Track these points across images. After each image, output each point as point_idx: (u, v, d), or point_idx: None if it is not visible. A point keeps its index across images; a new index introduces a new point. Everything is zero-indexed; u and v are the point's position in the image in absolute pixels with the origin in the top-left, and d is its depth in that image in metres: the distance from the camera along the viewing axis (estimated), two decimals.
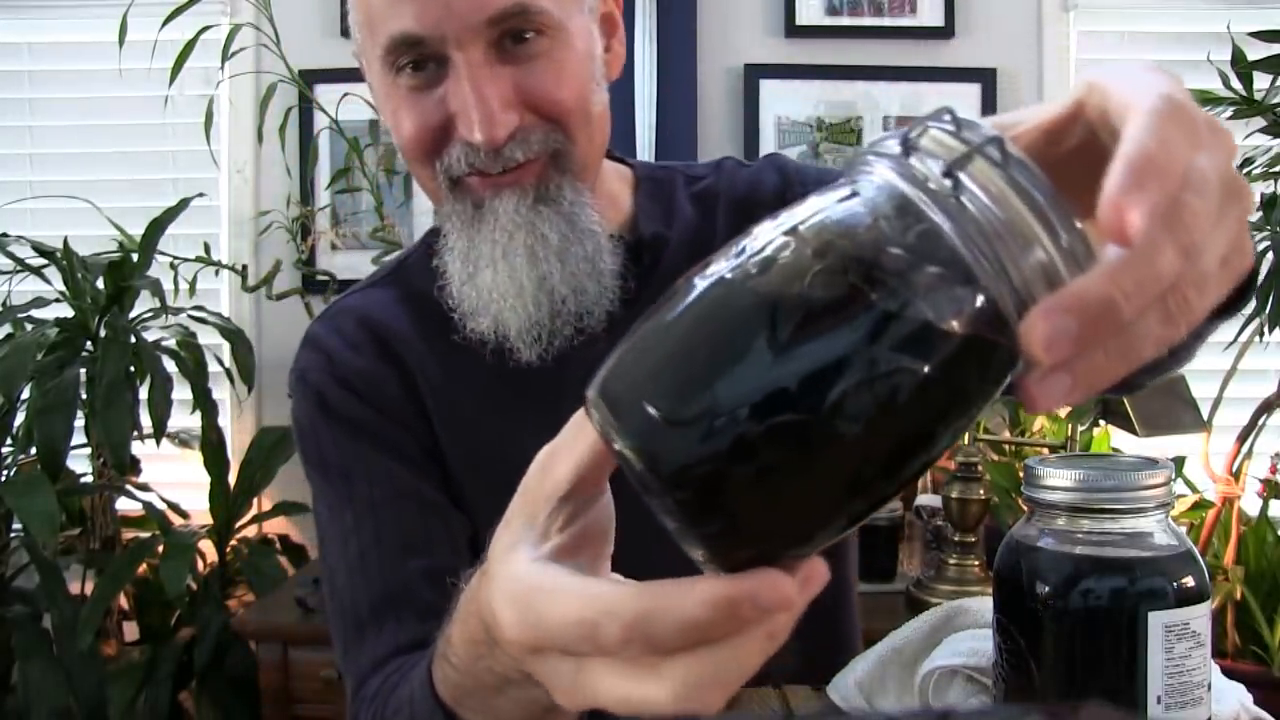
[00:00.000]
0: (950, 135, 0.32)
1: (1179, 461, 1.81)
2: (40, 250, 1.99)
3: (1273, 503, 1.78)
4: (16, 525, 1.86)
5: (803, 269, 0.31)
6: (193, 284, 2.11)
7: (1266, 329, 1.56)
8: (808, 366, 0.30)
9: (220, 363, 2.08)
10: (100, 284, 1.98)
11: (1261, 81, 1.65)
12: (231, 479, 2.09)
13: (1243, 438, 1.71)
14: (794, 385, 0.30)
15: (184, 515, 2.06)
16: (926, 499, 1.81)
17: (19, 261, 1.99)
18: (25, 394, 1.86)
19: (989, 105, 2.20)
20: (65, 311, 1.98)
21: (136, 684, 1.85)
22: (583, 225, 0.78)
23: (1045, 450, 1.75)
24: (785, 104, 2.23)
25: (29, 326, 1.93)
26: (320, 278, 2.19)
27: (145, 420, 1.86)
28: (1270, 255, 1.56)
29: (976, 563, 1.62)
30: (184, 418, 2.03)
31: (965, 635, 0.71)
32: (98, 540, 1.99)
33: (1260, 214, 1.60)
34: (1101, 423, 1.82)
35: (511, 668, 0.46)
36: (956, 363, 0.31)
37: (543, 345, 0.79)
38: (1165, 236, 0.30)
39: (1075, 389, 0.31)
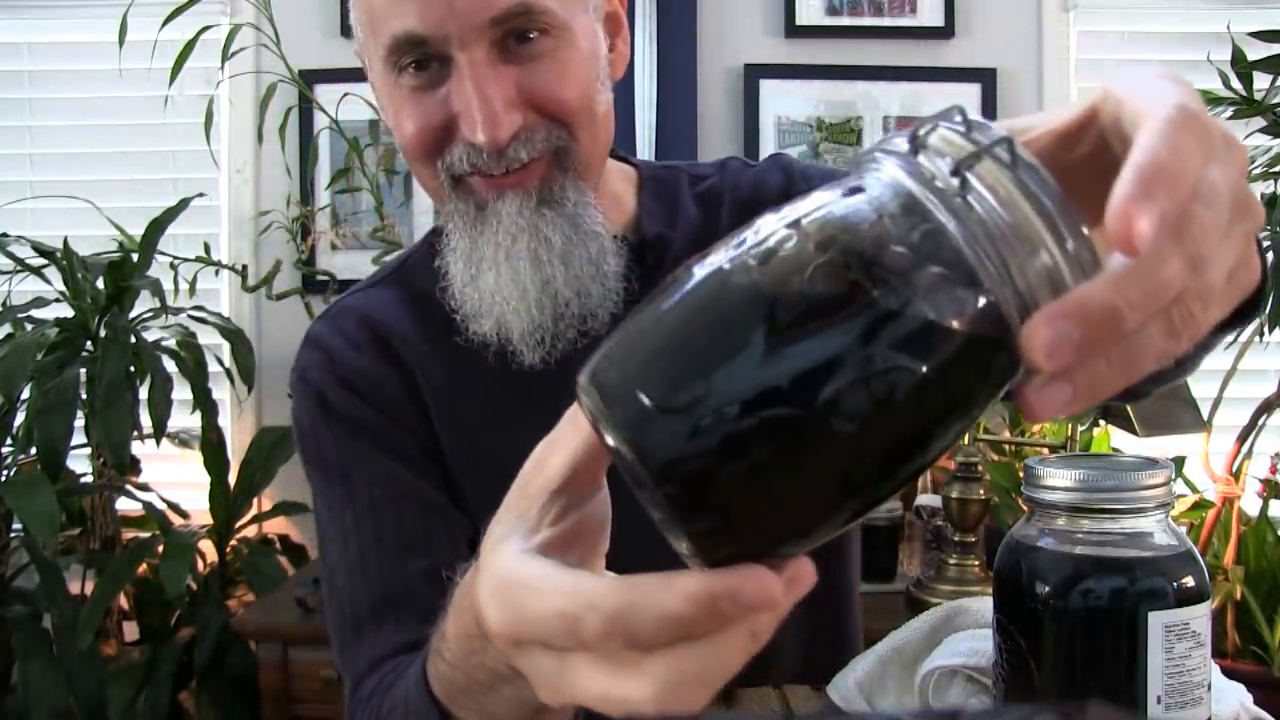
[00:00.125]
0: (960, 135, 0.31)
1: (1179, 461, 1.82)
2: (40, 250, 2.00)
3: (1273, 503, 1.78)
4: (16, 525, 1.86)
5: (804, 262, 0.31)
6: (193, 284, 2.11)
7: (1266, 329, 1.56)
8: (804, 360, 0.30)
9: (220, 363, 2.08)
10: (100, 284, 1.99)
11: (1261, 81, 1.65)
12: (231, 479, 2.09)
13: (1243, 438, 1.71)
14: (789, 378, 0.30)
15: (184, 515, 2.06)
16: (926, 499, 1.81)
17: (19, 261, 1.99)
18: (25, 394, 1.86)
19: (989, 105, 2.19)
20: (65, 311, 1.98)
21: (136, 684, 1.85)
22: (586, 227, 0.78)
23: (1045, 450, 1.75)
24: (785, 104, 2.23)
25: (29, 326, 1.93)
26: (320, 278, 2.19)
27: (145, 420, 1.86)
28: (1270, 255, 1.56)
29: (976, 563, 1.62)
30: (184, 418, 2.03)
31: (965, 635, 0.71)
32: (98, 540, 1.99)
33: None
34: (1101, 423, 1.82)
35: (503, 663, 0.45)
36: (955, 365, 0.30)
37: (546, 348, 0.79)
38: (1173, 247, 0.29)
39: (1075, 398, 0.30)
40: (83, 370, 1.87)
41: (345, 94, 1.98)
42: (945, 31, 2.22)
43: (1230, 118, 1.65)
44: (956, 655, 0.68)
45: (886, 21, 2.23)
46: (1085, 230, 0.30)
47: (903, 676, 0.73)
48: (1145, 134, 0.31)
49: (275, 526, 2.18)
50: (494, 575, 0.38)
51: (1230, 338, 0.56)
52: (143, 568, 1.96)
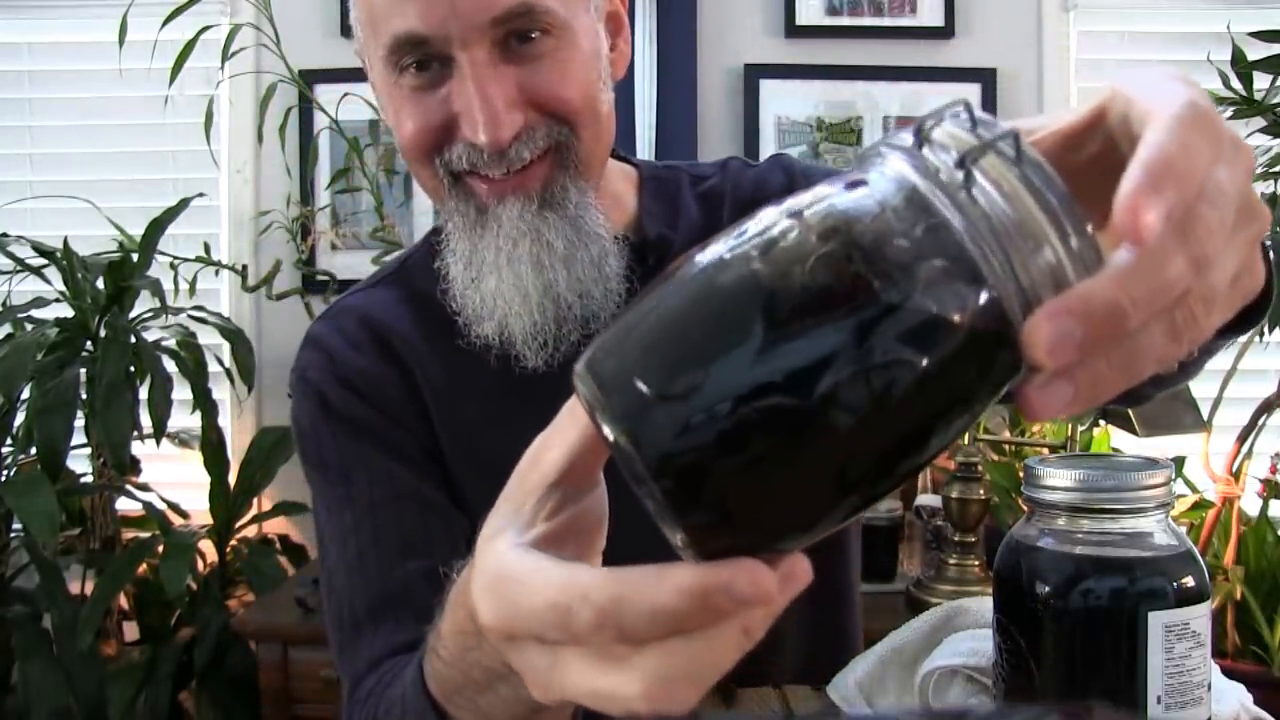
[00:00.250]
0: (965, 129, 0.31)
1: (1179, 461, 1.81)
2: (40, 250, 2.00)
3: (1273, 503, 1.78)
4: (16, 525, 1.86)
5: (805, 253, 0.30)
6: (193, 284, 2.11)
7: (1266, 329, 1.56)
8: (803, 350, 0.29)
9: (220, 363, 2.08)
10: (100, 284, 1.98)
11: (1261, 81, 1.65)
12: (231, 479, 2.09)
13: (1243, 438, 1.71)
14: (788, 368, 0.29)
15: (184, 515, 2.06)
16: (926, 499, 1.81)
17: (19, 261, 1.99)
18: (25, 394, 1.86)
19: (989, 105, 2.19)
20: (65, 311, 1.98)
21: (136, 684, 1.85)
22: (588, 229, 0.77)
23: (1045, 450, 1.75)
24: (785, 104, 2.23)
25: (29, 326, 1.93)
26: (320, 278, 2.19)
27: (145, 420, 1.86)
28: (1273, 255, 1.55)
29: (976, 563, 1.62)
30: (184, 418, 2.03)
31: (965, 635, 0.71)
32: (98, 540, 1.99)
33: None
34: (1101, 423, 1.83)
35: (498, 661, 0.45)
36: (955, 361, 0.30)
37: (548, 351, 0.78)
38: (1177, 246, 0.29)
39: (1077, 398, 0.30)
40: (83, 370, 1.87)
41: (345, 94, 1.98)
42: (945, 31, 2.22)
43: (1230, 118, 1.65)
44: (956, 655, 0.68)
45: (886, 21, 2.23)
46: (1090, 229, 0.30)
47: (903, 676, 0.73)
48: (1154, 130, 0.31)
49: (275, 526, 2.18)
50: (487, 570, 0.37)
51: (1231, 342, 0.56)
52: (143, 568, 1.96)
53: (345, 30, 2.13)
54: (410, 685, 0.59)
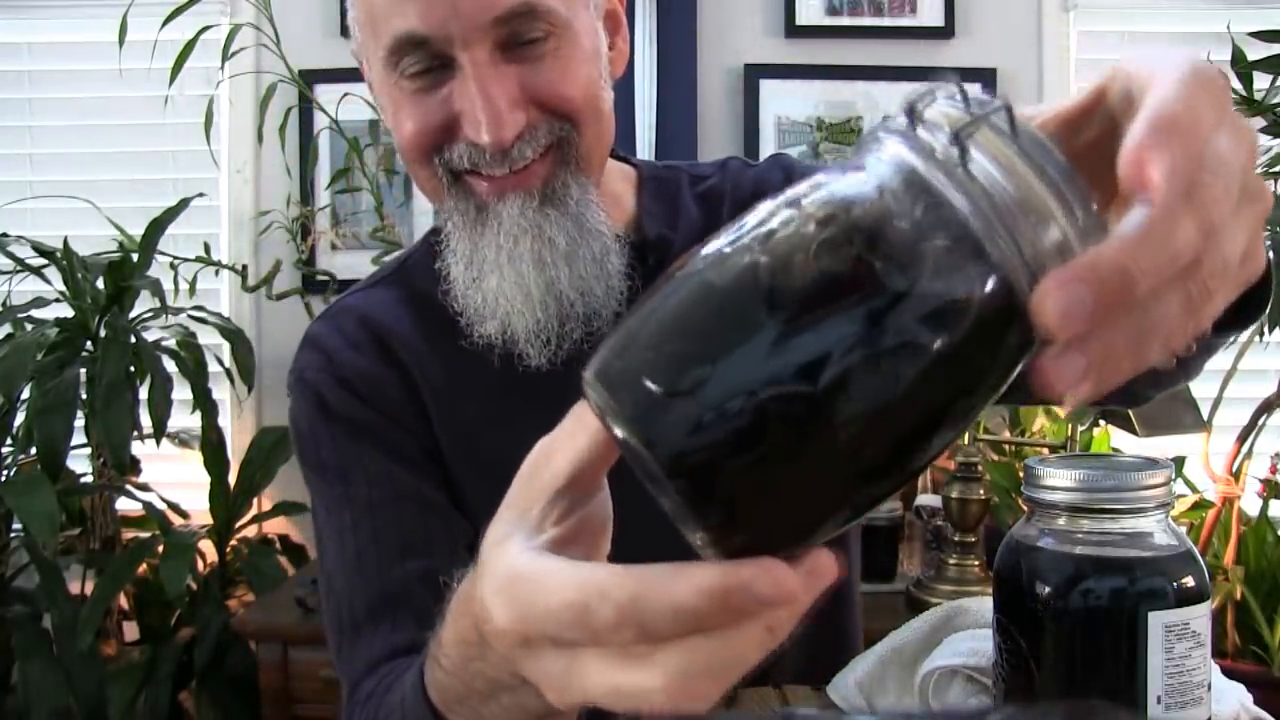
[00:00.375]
0: (957, 106, 0.31)
1: (1179, 461, 1.81)
2: (40, 250, 2.00)
3: (1273, 503, 1.78)
4: (16, 525, 1.86)
5: (806, 241, 0.30)
6: (193, 284, 2.11)
7: (1266, 329, 1.56)
8: (809, 340, 0.29)
9: (220, 363, 2.08)
10: (100, 284, 1.98)
11: (1261, 81, 1.66)
12: (231, 479, 2.09)
13: (1243, 438, 1.71)
14: (795, 359, 0.29)
15: (184, 515, 2.06)
16: (926, 499, 1.81)
17: (19, 261, 1.99)
18: (25, 394, 1.86)
19: None
20: (65, 311, 1.98)
21: (136, 684, 1.85)
22: (590, 226, 0.77)
23: (1045, 450, 1.75)
24: (785, 104, 2.23)
25: (29, 326, 1.93)
26: (320, 278, 2.19)
27: (145, 420, 1.86)
28: (1271, 254, 1.55)
29: (976, 563, 1.62)
30: (184, 418, 2.03)
31: (965, 635, 0.71)
32: (98, 540, 1.99)
33: None
34: (1101, 423, 1.82)
35: (502, 669, 0.45)
36: (965, 342, 0.30)
37: (551, 349, 0.78)
38: (1184, 210, 0.28)
39: (1089, 371, 0.29)
40: (83, 370, 1.87)
41: (345, 94, 1.98)
42: (945, 31, 2.22)
43: None
44: (956, 655, 0.68)
45: (886, 21, 2.23)
46: (1093, 201, 0.29)
47: (903, 676, 0.73)
48: (1158, 89, 0.31)
49: (275, 526, 2.18)
50: (499, 573, 0.37)
51: (1230, 340, 0.56)
52: (143, 568, 1.95)
53: (345, 30, 2.11)
54: (410, 692, 0.59)
